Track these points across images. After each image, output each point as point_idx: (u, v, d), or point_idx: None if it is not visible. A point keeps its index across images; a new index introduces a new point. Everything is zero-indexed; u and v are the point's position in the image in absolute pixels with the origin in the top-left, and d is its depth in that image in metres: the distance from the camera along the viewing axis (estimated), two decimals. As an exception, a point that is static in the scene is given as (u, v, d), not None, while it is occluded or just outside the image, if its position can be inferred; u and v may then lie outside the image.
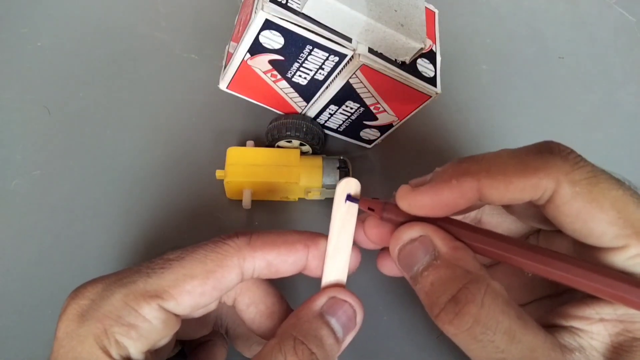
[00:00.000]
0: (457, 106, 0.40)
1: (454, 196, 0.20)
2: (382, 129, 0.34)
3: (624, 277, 0.18)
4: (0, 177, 0.33)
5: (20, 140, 0.35)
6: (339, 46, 0.27)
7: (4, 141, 0.35)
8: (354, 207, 0.22)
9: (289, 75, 0.30)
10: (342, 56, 0.28)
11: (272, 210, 0.34)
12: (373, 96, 0.31)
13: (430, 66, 0.31)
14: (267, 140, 0.34)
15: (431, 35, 0.33)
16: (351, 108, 0.32)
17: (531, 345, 0.18)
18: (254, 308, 0.23)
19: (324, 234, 0.22)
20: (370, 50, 0.28)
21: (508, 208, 0.23)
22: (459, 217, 0.23)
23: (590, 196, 0.18)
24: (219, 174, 0.32)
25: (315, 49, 0.28)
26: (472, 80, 0.42)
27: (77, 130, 0.36)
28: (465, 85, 0.41)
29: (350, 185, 0.22)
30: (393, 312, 0.31)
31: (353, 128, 0.34)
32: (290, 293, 0.31)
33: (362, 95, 0.31)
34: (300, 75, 0.30)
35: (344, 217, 0.22)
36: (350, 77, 0.29)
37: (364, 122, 0.34)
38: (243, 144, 0.35)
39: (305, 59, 0.28)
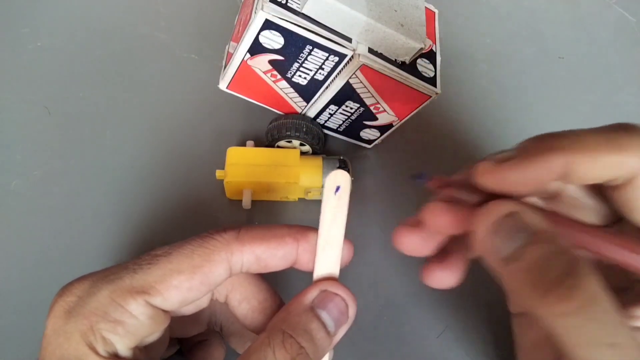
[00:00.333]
0: (457, 106, 0.40)
1: (542, 172, 0.19)
2: (382, 129, 0.34)
3: None
4: (0, 177, 0.33)
5: (20, 140, 0.35)
6: (338, 46, 0.27)
7: (4, 141, 0.35)
8: (344, 200, 0.22)
9: (289, 75, 0.30)
10: (342, 56, 0.28)
11: (272, 210, 0.34)
12: (373, 96, 0.31)
13: (430, 66, 0.31)
14: (267, 140, 0.34)
15: (431, 35, 0.33)
16: (351, 108, 0.32)
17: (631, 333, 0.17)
18: (246, 304, 0.23)
19: (314, 227, 0.22)
20: (370, 51, 0.28)
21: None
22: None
23: None
24: (219, 174, 0.32)
25: (315, 49, 0.28)
26: (472, 80, 0.42)
27: (77, 130, 0.36)
28: (465, 85, 0.41)
29: (339, 177, 0.22)
30: (393, 312, 0.31)
31: (353, 128, 0.34)
32: (284, 288, 0.31)
33: (362, 95, 0.31)
34: (300, 75, 0.30)
35: (334, 209, 0.22)
36: (350, 77, 0.29)
37: (364, 122, 0.34)
38: (243, 144, 0.35)
39: (305, 59, 0.28)
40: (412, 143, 0.38)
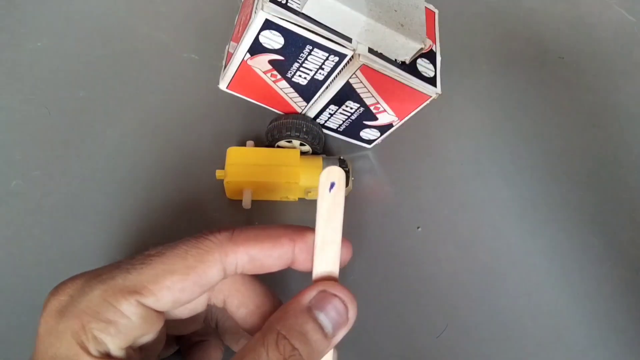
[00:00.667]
0: (457, 106, 0.40)
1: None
2: (382, 129, 0.34)
3: None
4: (0, 177, 0.33)
5: (20, 140, 0.35)
6: (339, 46, 0.27)
7: (4, 141, 0.35)
8: (340, 197, 0.21)
9: (289, 75, 0.30)
10: (342, 56, 0.28)
11: (272, 210, 0.34)
12: (373, 96, 0.31)
13: (430, 66, 0.31)
14: (267, 140, 0.34)
15: (431, 35, 0.33)
16: (351, 108, 0.32)
17: None
18: (244, 309, 0.23)
19: (311, 227, 0.22)
20: (370, 51, 0.28)
21: None
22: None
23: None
24: (219, 174, 0.32)
25: (315, 49, 0.28)
26: (472, 80, 0.42)
27: (77, 130, 0.36)
28: (465, 85, 0.41)
29: (333, 173, 0.21)
30: (393, 312, 0.31)
31: (353, 128, 0.34)
32: (283, 289, 0.31)
33: (362, 95, 0.31)
34: (300, 75, 0.30)
35: (330, 207, 0.21)
36: (350, 77, 0.29)
37: (364, 122, 0.34)
38: (243, 144, 0.35)
39: (305, 59, 0.28)
40: (412, 143, 0.38)
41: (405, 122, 0.33)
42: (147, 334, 0.20)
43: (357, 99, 0.31)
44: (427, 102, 0.31)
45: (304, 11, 0.26)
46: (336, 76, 0.29)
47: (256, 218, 0.34)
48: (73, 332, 0.18)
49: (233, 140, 0.36)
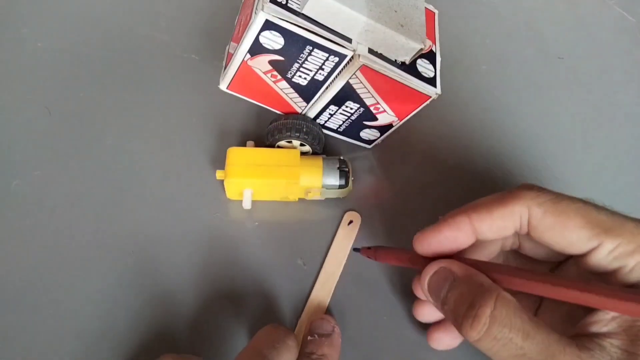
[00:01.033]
0: (457, 106, 0.40)
1: (452, 232, 0.24)
2: (382, 129, 0.34)
3: (595, 287, 0.21)
4: (1, 178, 0.33)
5: (20, 141, 0.35)
6: (339, 47, 0.27)
7: (4, 141, 0.35)
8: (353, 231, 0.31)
9: (289, 75, 0.30)
10: (342, 57, 0.28)
11: (272, 210, 0.34)
12: (373, 97, 0.31)
13: (430, 67, 0.31)
14: (267, 140, 0.34)
15: (431, 35, 0.33)
16: (351, 108, 0.32)
17: (545, 341, 0.21)
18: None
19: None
20: (370, 51, 0.28)
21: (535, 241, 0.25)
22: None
23: (557, 210, 0.23)
24: (219, 174, 0.32)
25: (315, 50, 0.28)
26: (472, 80, 0.42)
27: (77, 131, 0.36)
28: (465, 86, 0.41)
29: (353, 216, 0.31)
30: (393, 312, 0.31)
31: (353, 128, 0.34)
32: (282, 288, 0.31)
33: (362, 96, 0.31)
34: (300, 76, 0.30)
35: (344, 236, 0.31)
36: (350, 78, 0.29)
37: (364, 123, 0.34)
38: (243, 144, 0.35)
39: (305, 59, 0.28)
40: (412, 143, 0.38)
41: (405, 122, 0.33)
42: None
43: (357, 99, 0.31)
44: (427, 102, 0.31)
45: (304, 12, 0.27)
46: (336, 77, 0.29)
47: (256, 218, 0.34)
48: None
49: (233, 140, 0.36)
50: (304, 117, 0.33)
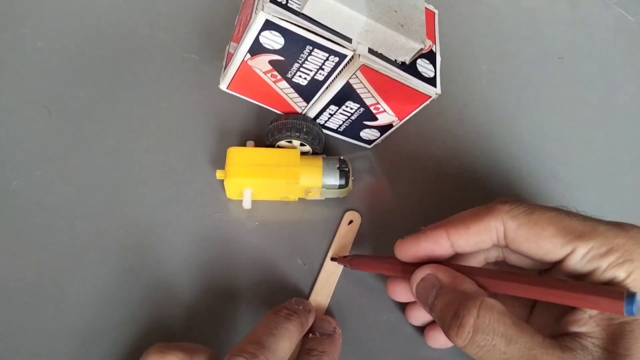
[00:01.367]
0: (457, 106, 0.40)
1: (429, 245, 0.26)
2: (382, 129, 0.34)
3: (566, 285, 0.22)
4: (1, 178, 0.33)
5: (20, 140, 0.35)
6: (339, 47, 0.27)
7: (4, 141, 0.35)
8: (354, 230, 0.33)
9: (289, 75, 0.30)
10: (342, 56, 0.28)
11: (272, 210, 0.34)
12: (373, 96, 0.31)
13: (430, 66, 0.31)
14: (267, 140, 0.34)
15: (431, 35, 0.33)
16: (351, 108, 0.32)
17: (528, 344, 0.21)
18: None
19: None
20: (370, 51, 0.28)
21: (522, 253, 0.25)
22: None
23: (531, 222, 0.23)
24: (219, 174, 0.32)
25: (315, 50, 0.28)
26: (472, 80, 0.42)
27: (77, 130, 0.36)
28: (465, 86, 0.41)
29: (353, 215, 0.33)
30: (393, 312, 0.31)
31: (353, 128, 0.34)
32: (282, 286, 0.31)
33: (362, 96, 0.31)
34: (300, 76, 0.30)
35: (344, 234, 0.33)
36: (350, 78, 0.29)
37: (364, 123, 0.34)
38: (243, 144, 0.35)
39: (306, 59, 0.28)
40: (412, 143, 0.38)
41: (405, 122, 0.33)
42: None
43: (357, 99, 0.31)
44: (427, 102, 0.31)
45: (304, 11, 0.27)
46: (336, 76, 0.29)
47: (256, 218, 0.34)
48: None
49: (233, 140, 0.36)
50: (304, 117, 0.33)
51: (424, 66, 0.30)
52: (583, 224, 0.23)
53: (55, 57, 0.39)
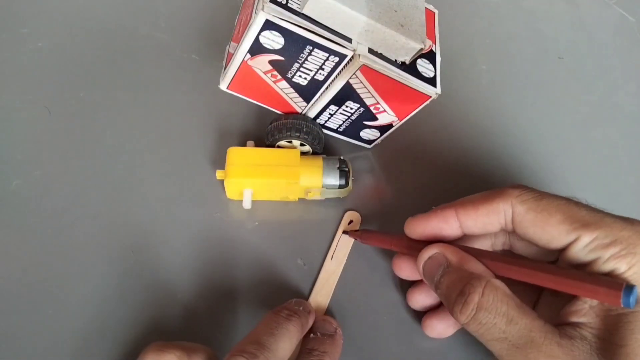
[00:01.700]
0: (457, 106, 0.40)
1: (439, 223, 0.27)
2: (382, 129, 0.34)
3: (567, 272, 0.23)
4: (1, 178, 0.33)
5: (20, 140, 0.35)
6: (339, 46, 0.27)
7: (4, 141, 0.35)
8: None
9: (289, 75, 0.30)
10: (342, 56, 0.28)
11: (272, 210, 0.34)
12: (373, 96, 0.31)
13: (430, 66, 0.31)
14: (267, 140, 0.34)
15: (431, 35, 0.33)
16: (351, 108, 0.32)
17: (528, 326, 0.22)
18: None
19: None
20: (370, 51, 0.28)
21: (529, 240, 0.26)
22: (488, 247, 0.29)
23: (539, 207, 0.24)
24: (219, 174, 0.32)
25: (315, 50, 0.28)
26: (472, 80, 0.42)
27: (77, 130, 0.36)
28: (465, 86, 0.41)
29: (353, 216, 0.33)
30: (393, 312, 0.31)
31: (353, 128, 0.34)
32: (283, 284, 0.31)
33: (362, 96, 0.31)
34: (300, 76, 0.30)
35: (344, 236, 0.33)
36: (350, 78, 0.29)
37: (364, 123, 0.34)
38: (243, 144, 0.35)
39: (306, 59, 0.28)
40: (412, 143, 0.38)
41: (405, 122, 0.33)
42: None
43: (357, 99, 0.31)
44: (427, 102, 0.31)
45: (304, 11, 0.27)
46: (336, 76, 0.29)
47: (256, 218, 0.34)
48: None
49: (233, 140, 0.36)
50: (304, 117, 0.33)
51: (424, 66, 0.30)
52: (590, 214, 0.23)
53: (55, 57, 0.39)
